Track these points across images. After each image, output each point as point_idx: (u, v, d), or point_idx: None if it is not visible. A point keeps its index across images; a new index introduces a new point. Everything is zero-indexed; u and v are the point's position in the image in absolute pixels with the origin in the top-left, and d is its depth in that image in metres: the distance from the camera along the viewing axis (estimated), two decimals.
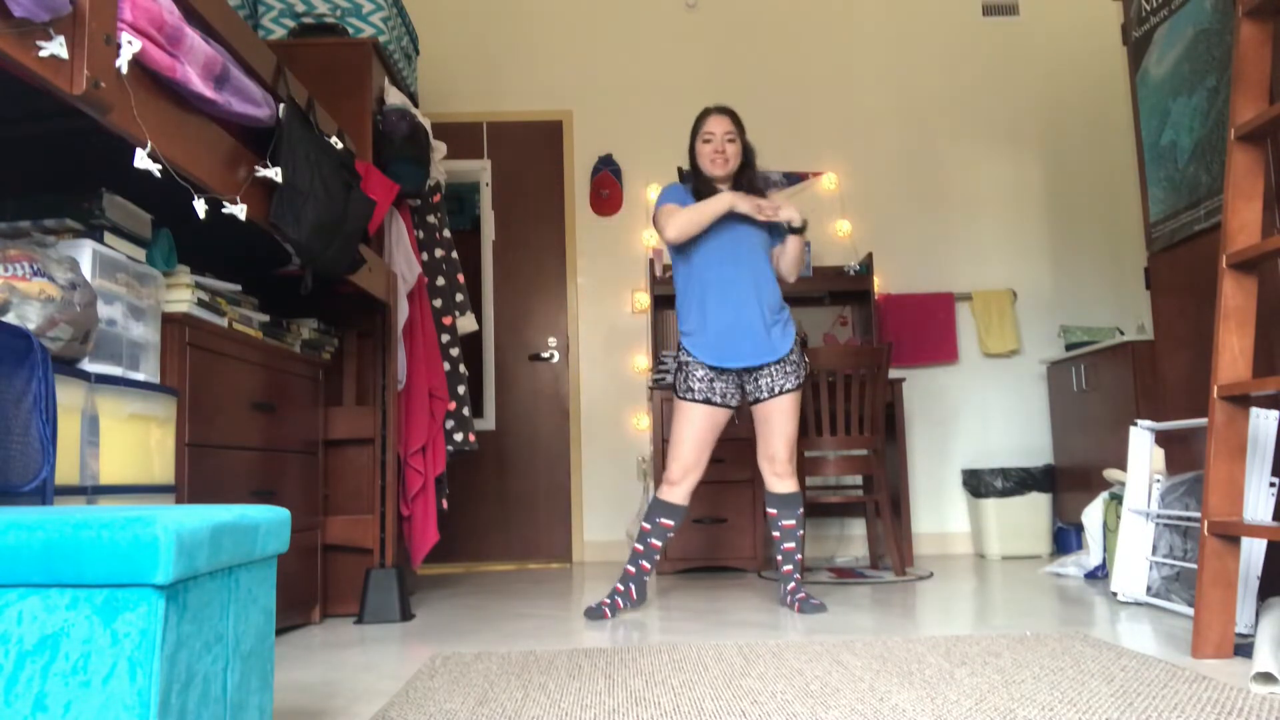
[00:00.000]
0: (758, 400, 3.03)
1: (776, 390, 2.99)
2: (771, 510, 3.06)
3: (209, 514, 1.09)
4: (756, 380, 3.01)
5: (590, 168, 5.05)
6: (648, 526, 3.03)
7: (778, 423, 3.01)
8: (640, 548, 3.04)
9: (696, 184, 3.09)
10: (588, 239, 5.03)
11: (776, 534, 3.06)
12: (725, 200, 2.95)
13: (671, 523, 3.03)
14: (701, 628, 2.70)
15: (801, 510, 3.07)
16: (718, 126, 3.06)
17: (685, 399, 3.02)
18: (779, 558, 3.08)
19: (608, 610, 2.95)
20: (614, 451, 4.89)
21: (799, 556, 3.07)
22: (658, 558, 3.07)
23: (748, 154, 3.11)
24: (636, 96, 5.13)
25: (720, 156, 3.04)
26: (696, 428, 3.00)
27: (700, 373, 3.00)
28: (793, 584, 3.05)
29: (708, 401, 3.00)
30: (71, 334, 1.70)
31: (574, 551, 4.85)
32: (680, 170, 4.84)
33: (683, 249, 3.06)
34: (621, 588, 3.02)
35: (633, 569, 3.03)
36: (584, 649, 2.36)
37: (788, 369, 3.01)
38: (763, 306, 2.99)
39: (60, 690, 0.94)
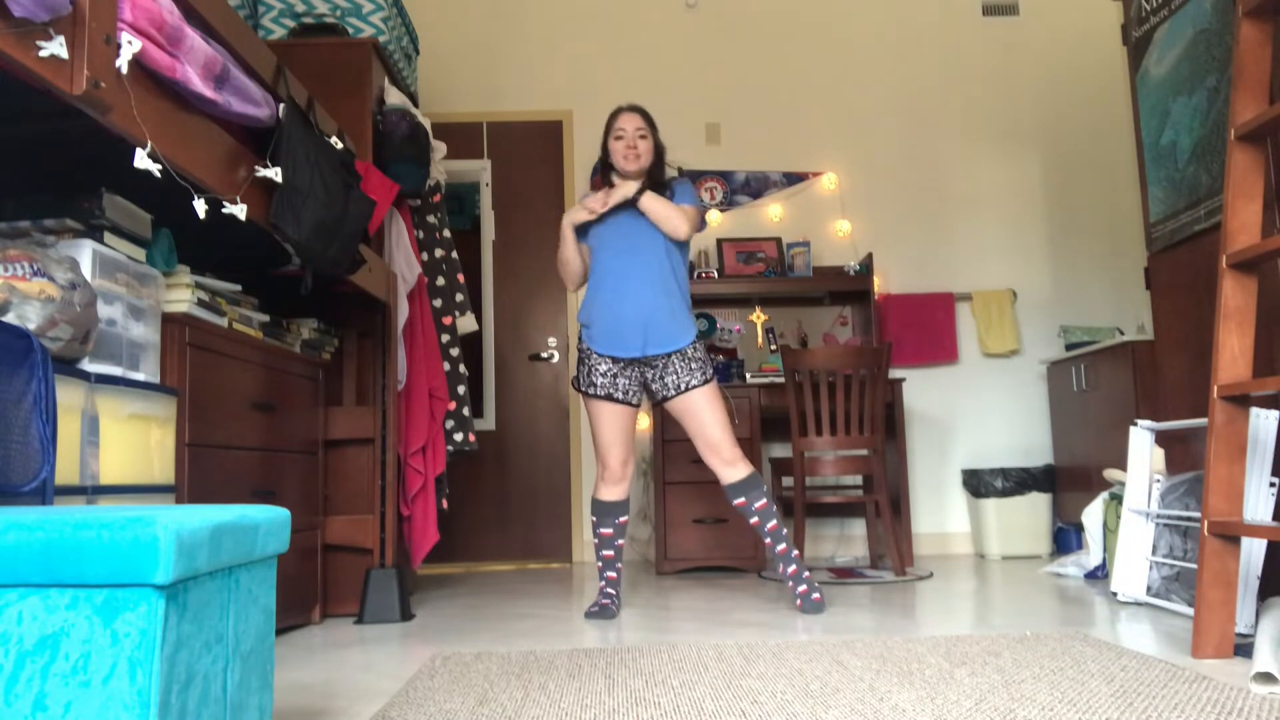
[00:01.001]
0: (666, 398, 3.00)
1: (684, 387, 2.95)
2: (739, 500, 2.96)
3: (209, 514, 1.09)
4: (663, 379, 2.98)
5: (590, 168, 5.05)
6: (608, 531, 3.04)
7: (704, 415, 2.94)
8: (610, 553, 3.06)
9: (605, 179, 3.13)
10: None
11: (755, 520, 2.96)
12: (567, 217, 3.09)
13: (625, 519, 3.06)
14: (701, 628, 2.70)
15: (766, 488, 2.98)
16: (629, 123, 3.07)
17: (591, 395, 3.01)
18: (768, 541, 2.97)
19: (612, 604, 2.98)
20: None
21: (787, 531, 2.98)
22: (619, 563, 3.10)
23: (659, 151, 3.13)
24: (636, 96, 5.11)
25: (632, 152, 3.04)
26: (613, 423, 3.00)
27: (603, 367, 2.99)
28: (793, 566, 2.96)
29: (610, 398, 2.99)
30: (71, 334, 1.70)
31: (574, 551, 4.85)
32: (680, 170, 4.84)
33: (589, 242, 3.10)
34: (611, 590, 3.04)
35: (613, 574, 3.06)
36: (584, 649, 2.36)
37: (692, 366, 2.96)
38: (656, 300, 2.95)
39: (60, 690, 0.94)
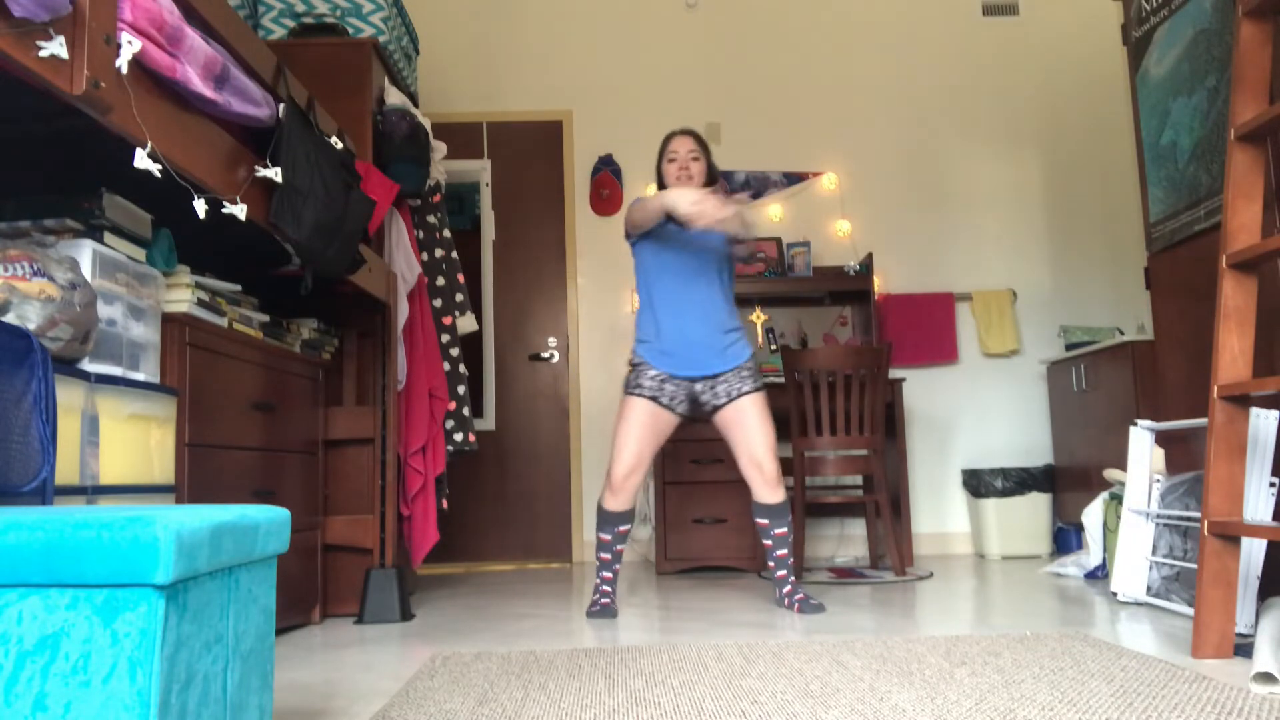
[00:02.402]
0: (717, 408, 3.02)
1: (734, 394, 2.98)
2: (762, 520, 3.02)
3: (209, 514, 1.09)
4: (714, 388, 3.01)
5: (590, 168, 5.05)
6: (607, 538, 3.04)
7: (752, 425, 2.98)
8: (607, 556, 3.06)
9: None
10: (588, 239, 5.03)
11: (768, 542, 3.03)
12: (672, 195, 2.82)
13: (627, 528, 3.05)
14: (701, 628, 2.70)
15: (790, 516, 3.04)
16: (681, 146, 3.11)
17: (633, 394, 3.01)
18: (771, 563, 3.06)
19: (612, 603, 3.00)
20: None
21: (793, 560, 3.08)
22: (616, 566, 3.09)
23: (713, 173, 3.16)
24: (636, 96, 5.13)
25: (685, 173, 3.08)
26: (642, 424, 2.98)
27: (652, 373, 3.01)
28: (789, 586, 3.04)
29: (655, 400, 3.00)
30: (71, 334, 1.70)
31: (574, 551, 4.85)
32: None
33: (640, 258, 3.10)
34: (608, 589, 3.04)
35: (609, 574, 3.06)
36: (584, 649, 2.36)
37: (744, 374, 3.01)
38: (710, 324, 3.01)
39: (60, 690, 0.94)
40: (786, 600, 3.02)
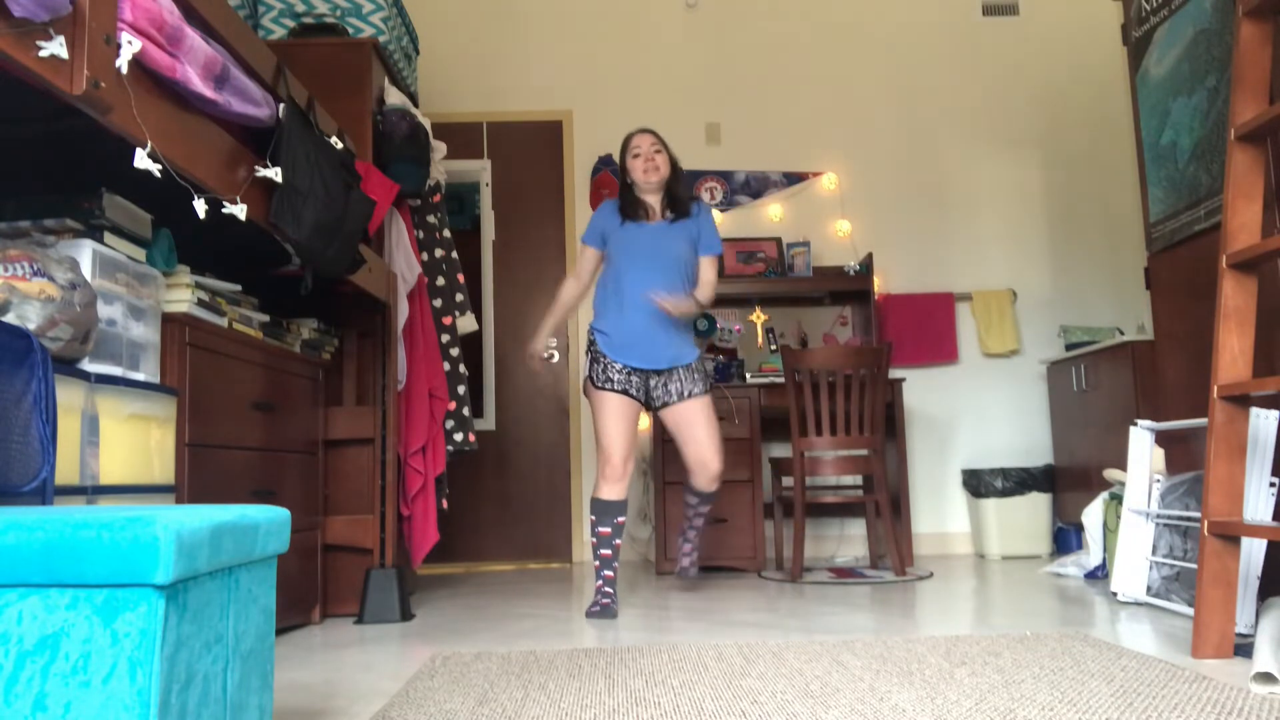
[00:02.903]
0: (666, 404, 3.19)
1: (686, 394, 3.17)
2: (694, 500, 3.35)
3: (209, 514, 1.09)
4: (666, 385, 3.18)
5: (590, 168, 5.05)
6: (606, 530, 3.08)
7: (701, 427, 3.17)
8: (608, 553, 3.09)
9: (625, 200, 3.26)
10: None
11: (691, 513, 3.40)
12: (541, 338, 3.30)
13: (623, 519, 3.12)
14: (701, 628, 2.70)
15: (716, 500, 3.42)
16: (644, 141, 3.24)
17: (604, 389, 3.12)
18: (691, 531, 3.46)
19: (612, 603, 3.00)
20: None
21: (700, 529, 3.48)
22: (617, 563, 3.13)
23: (675, 166, 3.28)
24: (636, 96, 5.13)
25: (651, 164, 3.20)
26: (622, 414, 3.11)
27: (618, 366, 3.14)
28: (690, 548, 3.49)
29: (625, 392, 3.12)
30: (71, 334, 1.70)
31: (574, 551, 4.85)
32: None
33: (608, 251, 3.24)
34: (609, 589, 3.05)
35: (610, 573, 3.07)
36: (584, 649, 2.36)
37: (695, 376, 3.19)
38: (669, 321, 3.14)
39: (60, 690, 0.94)
40: (686, 565, 3.49)
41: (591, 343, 3.20)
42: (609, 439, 3.09)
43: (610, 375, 3.12)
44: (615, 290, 3.16)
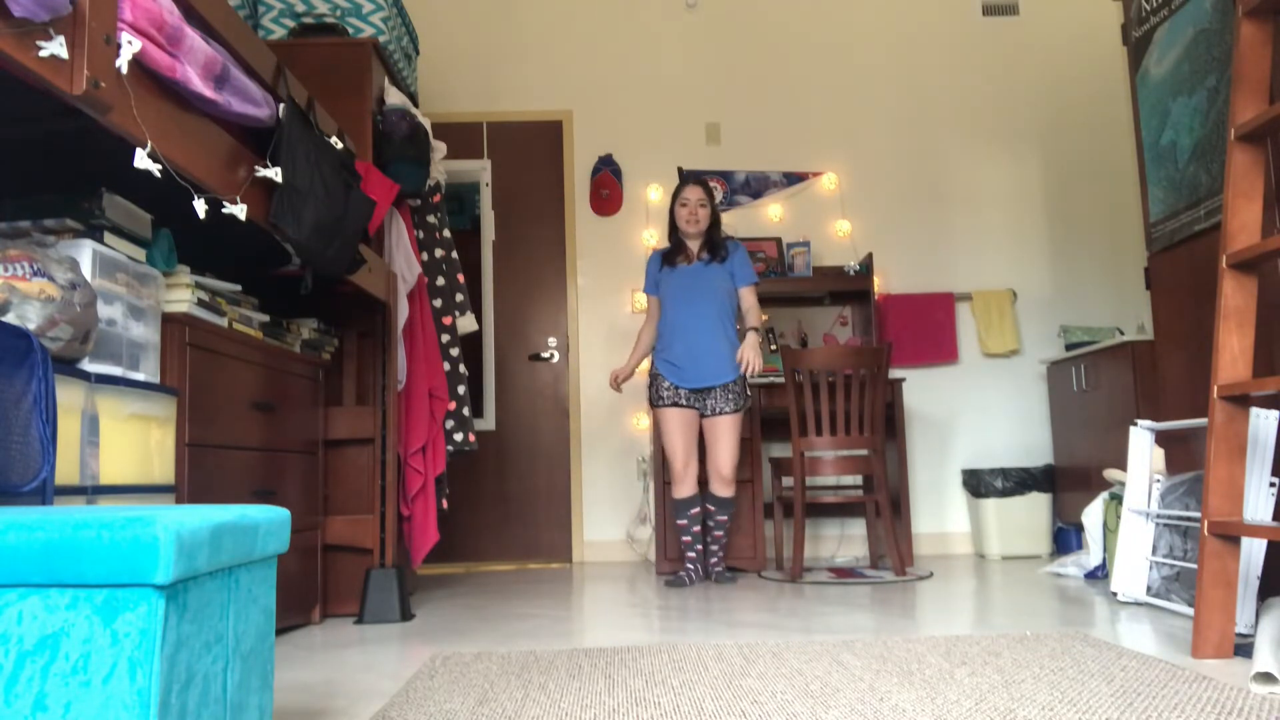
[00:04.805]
0: (704, 416, 3.75)
1: (717, 410, 3.71)
2: (710, 507, 3.78)
3: (209, 514, 1.09)
4: (704, 399, 3.73)
5: (590, 168, 5.05)
6: (684, 522, 3.72)
7: (722, 441, 3.71)
8: (689, 539, 3.74)
9: (671, 243, 3.90)
10: (588, 239, 5.03)
11: (711, 524, 3.79)
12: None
13: (697, 509, 3.72)
14: (701, 628, 2.70)
15: (734, 510, 3.78)
16: (693, 195, 3.84)
17: (660, 406, 3.76)
18: (711, 539, 3.80)
19: (688, 577, 3.68)
20: (614, 451, 4.89)
21: (725, 541, 3.82)
22: (699, 545, 3.77)
23: (715, 217, 3.87)
24: (636, 96, 5.13)
25: (693, 217, 3.81)
26: (679, 425, 3.72)
27: (667, 384, 3.75)
28: (715, 560, 3.80)
29: (676, 405, 3.73)
30: (71, 334, 1.70)
31: (574, 551, 4.85)
32: (680, 170, 4.85)
33: (660, 295, 3.87)
34: (690, 566, 3.75)
35: (692, 555, 3.75)
36: (584, 649, 2.36)
37: (729, 395, 3.71)
38: (711, 343, 3.71)
39: (60, 690, 0.94)
40: (714, 575, 3.78)
41: (651, 369, 3.83)
42: (670, 447, 3.73)
43: (662, 393, 3.74)
44: (668, 325, 3.77)
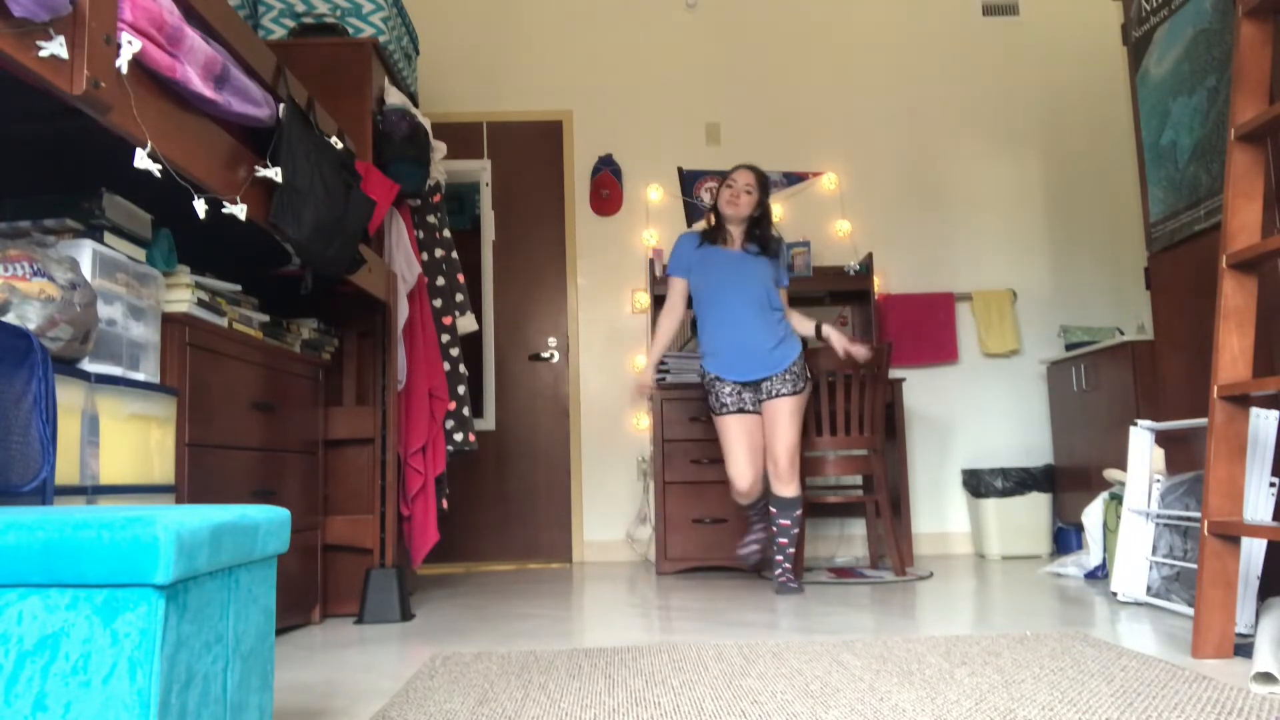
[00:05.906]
0: (761, 401, 3.46)
1: (774, 394, 3.42)
2: (772, 509, 3.47)
3: (209, 514, 1.09)
4: (760, 386, 3.45)
5: (590, 168, 5.05)
6: (774, 528, 3.48)
7: (779, 426, 3.40)
8: (785, 540, 3.47)
9: (710, 225, 3.60)
10: (588, 239, 5.03)
11: (774, 528, 3.47)
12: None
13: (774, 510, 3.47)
14: (701, 628, 2.70)
15: (799, 512, 3.45)
16: (741, 178, 3.52)
17: (721, 415, 3.46)
18: (776, 552, 3.47)
19: (754, 553, 3.57)
20: (614, 451, 4.89)
21: (791, 550, 3.47)
22: (788, 547, 3.48)
23: (764, 210, 3.55)
24: (636, 96, 5.13)
25: (735, 199, 3.49)
26: (739, 436, 3.42)
27: (728, 389, 3.45)
28: (779, 571, 3.47)
29: (741, 411, 3.44)
30: (71, 334, 1.70)
31: (574, 551, 4.85)
32: (680, 170, 4.85)
33: (692, 284, 3.55)
34: (753, 535, 3.60)
35: (780, 557, 3.47)
36: (584, 649, 2.36)
37: (787, 378, 3.43)
38: (768, 329, 3.43)
39: (60, 690, 0.94)
40: (776, 584, 3.47)
41: (703, 375, 3.53)
42: (731, 463, 3.44)
43: (724, 400, 3.45)
44: (707, 315, 3.47)
